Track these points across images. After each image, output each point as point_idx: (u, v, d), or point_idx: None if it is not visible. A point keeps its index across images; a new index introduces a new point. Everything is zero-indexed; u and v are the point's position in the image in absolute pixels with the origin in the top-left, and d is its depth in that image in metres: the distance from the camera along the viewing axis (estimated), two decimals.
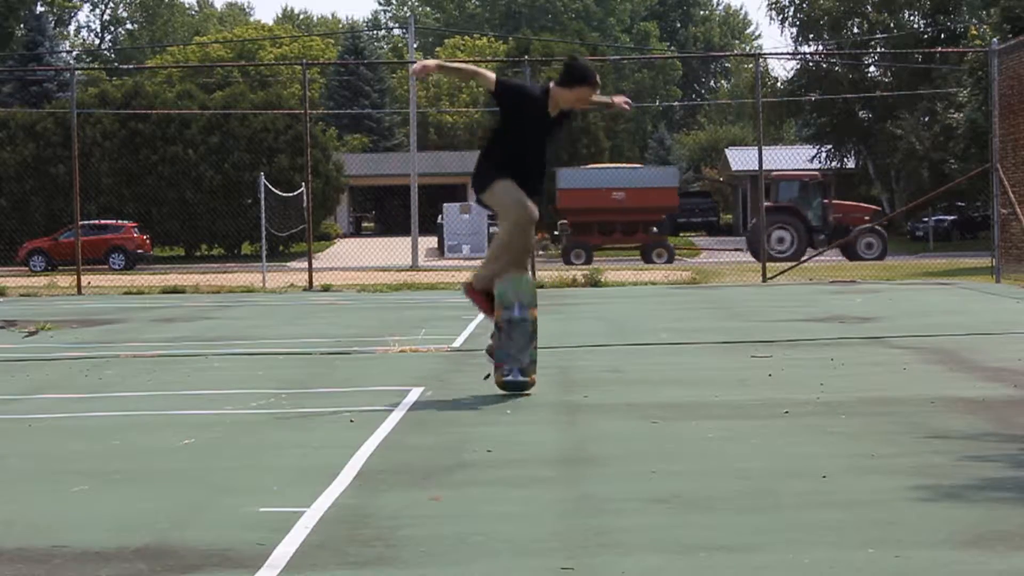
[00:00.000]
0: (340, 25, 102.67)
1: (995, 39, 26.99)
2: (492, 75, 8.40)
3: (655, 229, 40.75)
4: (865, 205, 39.91)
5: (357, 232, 67.43)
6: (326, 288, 22.92)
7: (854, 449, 6.38)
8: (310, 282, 23.42)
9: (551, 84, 8.40)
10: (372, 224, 72.54)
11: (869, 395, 8.20)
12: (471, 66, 8.68)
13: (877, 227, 39.73)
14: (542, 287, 21.56)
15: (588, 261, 38.08)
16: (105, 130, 47.05)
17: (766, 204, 40.58)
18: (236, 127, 47.52)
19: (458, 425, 7.38)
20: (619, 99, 8.94)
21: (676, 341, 12.01)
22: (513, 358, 8.36)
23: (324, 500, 5.42)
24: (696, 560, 4.44)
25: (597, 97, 8.62)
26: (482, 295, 8.62)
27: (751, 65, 52.06)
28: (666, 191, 40.84)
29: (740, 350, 11.09)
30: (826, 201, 40.48)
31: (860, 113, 55.82)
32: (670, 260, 38.59)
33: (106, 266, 40.48)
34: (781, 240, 39.06)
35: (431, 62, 8.49)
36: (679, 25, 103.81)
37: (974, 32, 43.65)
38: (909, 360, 10.09)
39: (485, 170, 8.47)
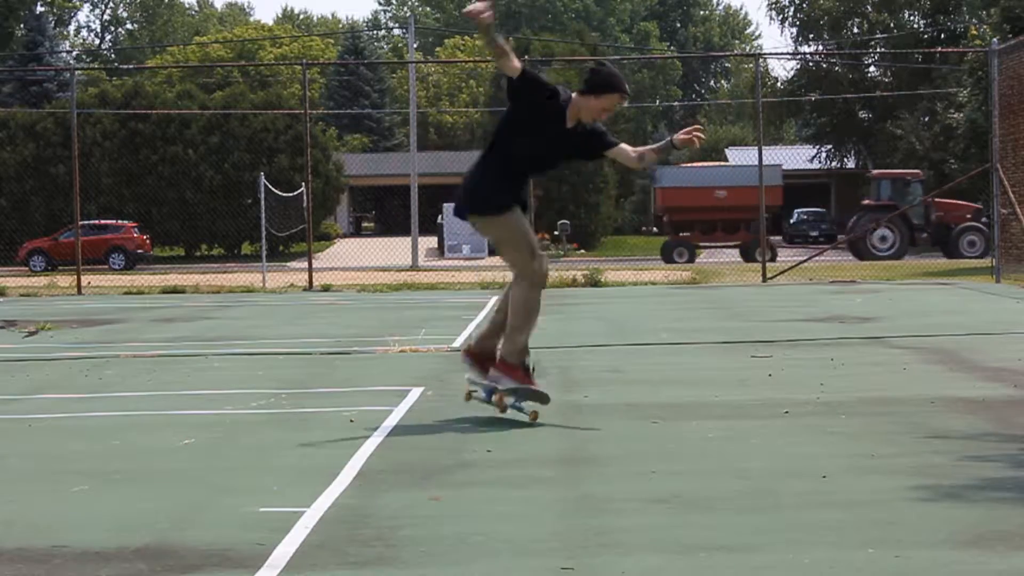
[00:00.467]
0: (340, 25, 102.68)
1: (995, 39, 26.99)
2: (518, 62, 7.30)
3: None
4: (966, 203, 39.55)
5: (357, 232, 67.41)
6: (326, 288, 22.92)
7: (854, 449, 6.38)
8: (310, 282, 23.43)
9: (572, 94, 7.41)
10: (372, 224, 72.53)
11: (869, 395, 8.20)
12: (505, 45, 7.23)
13: (980, 225, 39.53)
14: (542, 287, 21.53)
15: (691, 259, 38.07)
16: (105, 130, 47.06)
17: (866, 202, 40.28)
18: (236, 127, 47.53)
19: (458, 425, 7.38)
20: (685, 135, 7.50)
21: (676, 341, 12.00)
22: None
23: (324, 500, 5.41)
24: (696, 560, 4.44)
25: (654, 149, 7.68)
26: (480, 357, 7.69)
27: (751, 65, 52.09)
28: (769, 189, 40.54)
29: (740, 350, 11.09)
30: (928, 199, 40.23)
31: (860, 113, 55.88)
32: (773, 258, 38.22)
33: (106, 266, 40.49)
34: (884, 239, 38.69)
35: (484, 8, 7.08)
36: (679, 25, 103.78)
37: (974, 32, 43.68)
38: (909, 360, 10.09)
39: (486, 189, 7.39)
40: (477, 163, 7.49)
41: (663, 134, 77.84)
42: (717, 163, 49.35)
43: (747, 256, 38.96)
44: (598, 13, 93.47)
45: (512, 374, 7.42)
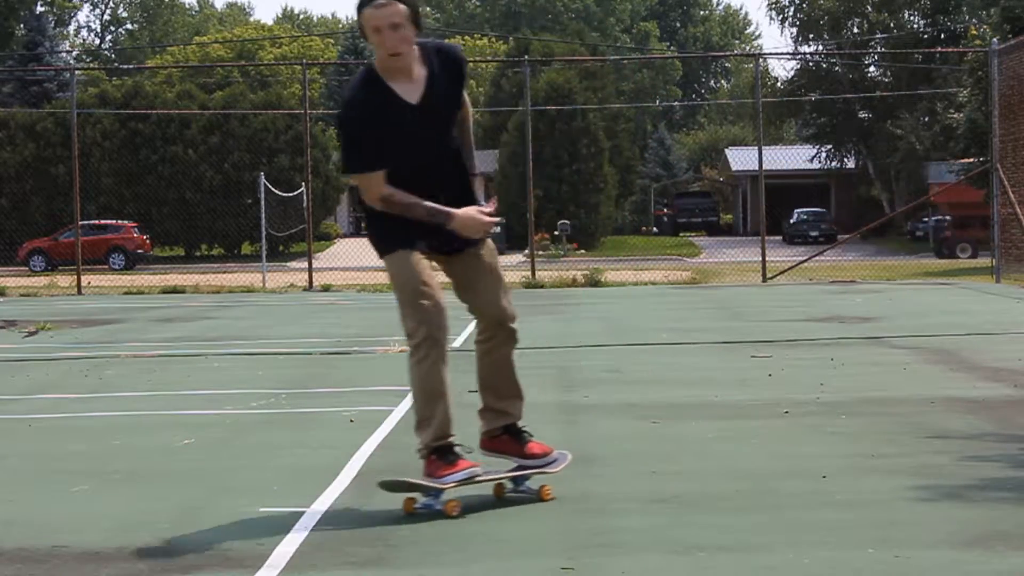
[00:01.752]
0: (340, 25, 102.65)
1: (995, 39, 26.99)
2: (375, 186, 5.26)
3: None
4: None
5: (357, 232, 67.36)
6: (326, 288, 22.92)
7: (854, 449, 6.38)
8: (310, 282, 23.42)
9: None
10: None
11: (869, 395, 8.20)
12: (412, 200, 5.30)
13: None
14: (542, 287, 21.55)
15: (974, 255, 38.02)
16: (105, 130, 47.03)
17: None
18: (236, 127, 47.50)
19: (458, 425, 7.36)
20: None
21: (676, 341, 12.00)
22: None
23: (324, 500, 5.41)
24: (696, 560, 4.43)
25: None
26: (493, 440, 5.54)
27: (751, 65, 52.06)
28: None
29: (740, 350, 11.09)
30: None
31: (860, 113, 55.84)
32: None
33: (106, 266, 40.47)
34: None
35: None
36: (679, 25, 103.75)
37: (974, 32, 43.66)
38: (909, 360, 10.09)
39: (378, 223, 5.43)
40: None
41: (662, 133, 77.83)
42: None
43: None
44: (598, 13, 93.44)
45: (496, 447, 5.52)
